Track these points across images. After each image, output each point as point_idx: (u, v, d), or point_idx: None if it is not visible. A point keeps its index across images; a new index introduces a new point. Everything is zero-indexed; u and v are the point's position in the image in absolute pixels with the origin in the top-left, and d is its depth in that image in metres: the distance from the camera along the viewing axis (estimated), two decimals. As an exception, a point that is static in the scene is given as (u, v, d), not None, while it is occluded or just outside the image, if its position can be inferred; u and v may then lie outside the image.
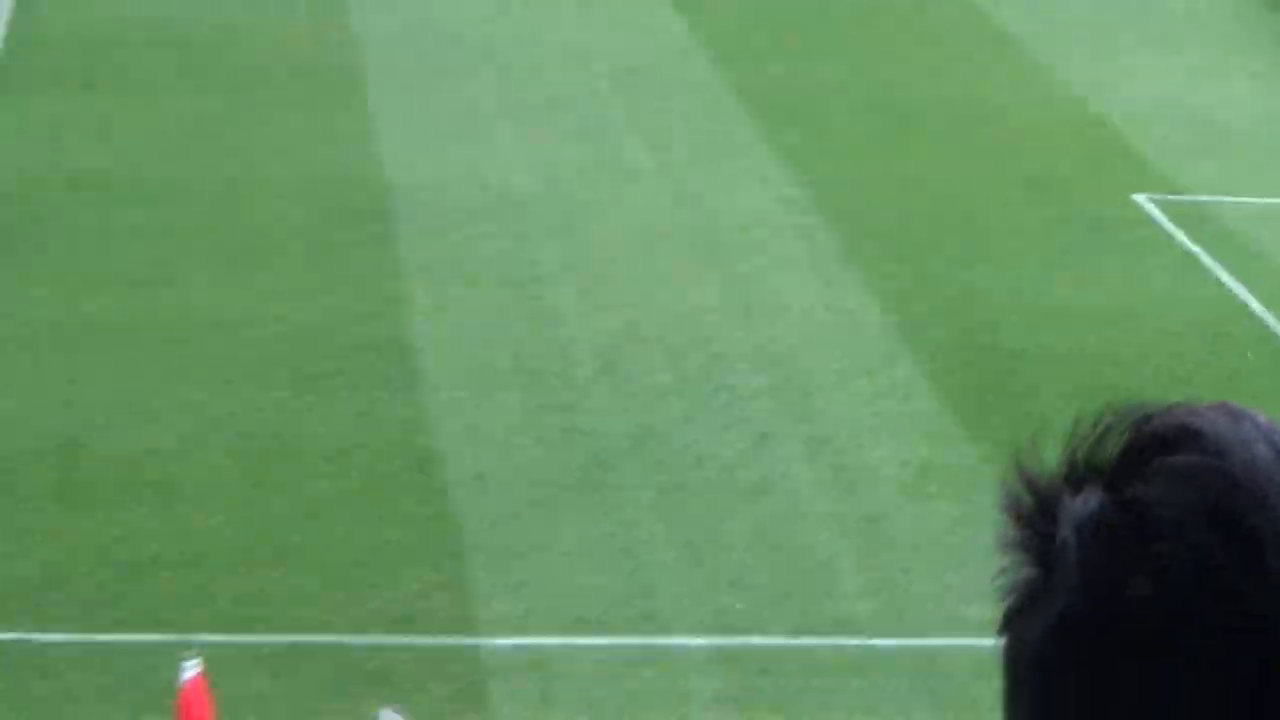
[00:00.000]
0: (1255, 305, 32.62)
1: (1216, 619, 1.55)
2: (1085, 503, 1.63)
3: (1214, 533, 1.56)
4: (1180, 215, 35.99)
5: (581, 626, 24.26)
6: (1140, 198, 36.73)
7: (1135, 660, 1.59)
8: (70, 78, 41.82)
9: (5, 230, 34.36)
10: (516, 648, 23.89)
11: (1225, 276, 33.72)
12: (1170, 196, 36.77)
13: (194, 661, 15.67)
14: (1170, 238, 35.23)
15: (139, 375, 29.44)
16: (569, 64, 43.53)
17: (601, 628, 24.34)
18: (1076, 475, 1.66)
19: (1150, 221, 35.86)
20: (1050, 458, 1.69)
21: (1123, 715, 1.61)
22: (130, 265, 33.03)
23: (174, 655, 21.96)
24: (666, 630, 24.37)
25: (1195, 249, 34.76)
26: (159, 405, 28.69)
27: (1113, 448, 1.66)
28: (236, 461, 27.50)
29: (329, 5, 47.25)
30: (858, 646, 24.11)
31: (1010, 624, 1.73)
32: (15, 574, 24.74)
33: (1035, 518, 1.68)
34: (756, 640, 24.16)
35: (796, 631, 24.29)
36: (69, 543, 25.46)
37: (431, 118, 40.09)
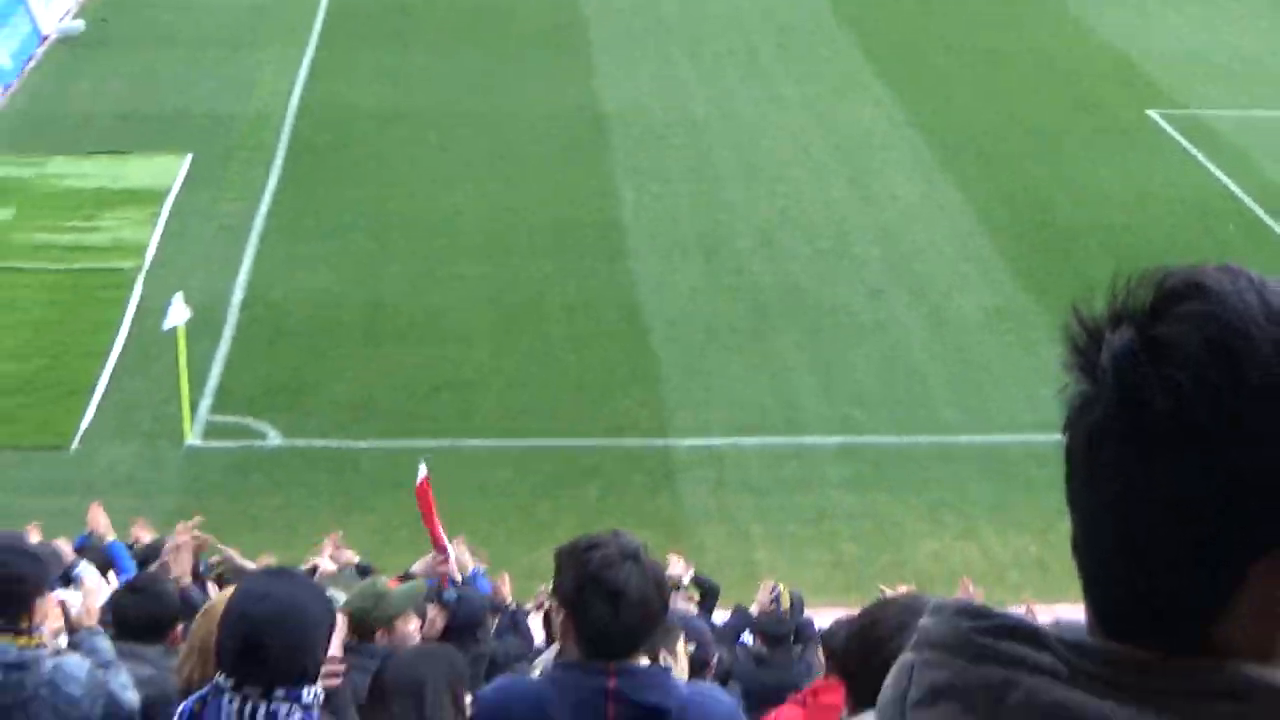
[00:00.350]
0: (1238, 191, 32.61)
1: (1213, 423, 1.59)
2: (1121, 338, 1.67)
3: (1212, 361, 1.60)
4: (1180, 125, 35.85)
5: (745, 430, 24.63)
6: (1153, 113, 36.74)
7: (1154, 451, 1.62)
8: (380, 35, 41.99)
9: (330, 149, 34.84)
10: (696, 447, 24.33)
11: (1215, 170, 33.67)
12: (1173, 111, 36.62)
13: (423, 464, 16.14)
14: (1174, 142, 35.22)
15: (425, 255, 29.99)
16: (737, 25, 43.06)
17: (760, 431, 24.70)
18: (1116, 318, 1.70)
19: (1160, 130, 35.82)
20: (1097, 306, 1.74)
21: (1143, 491, 1.64)
22: (420, 175, 33.44)
23: (452, 457, 23.13)
24: (806, 432, 24.76)
25: (1192, 149, 34.75)
26: (440, 275, 29.20)
27: (1142, 298, 1.69)
28: (497, 313, 27.95)
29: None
30: (946, 443, 24.43)
31: (1069, 424, 1.75)
32: (334, 396, 25.39)
33: (1087, 348, 1.71)
34: (870, 439, 24.45)
35: (900, 432, 24.67)
36: (373, 372, 26.13)
37: (635, 66, 40.12)
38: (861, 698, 4.17)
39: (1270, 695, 1.61)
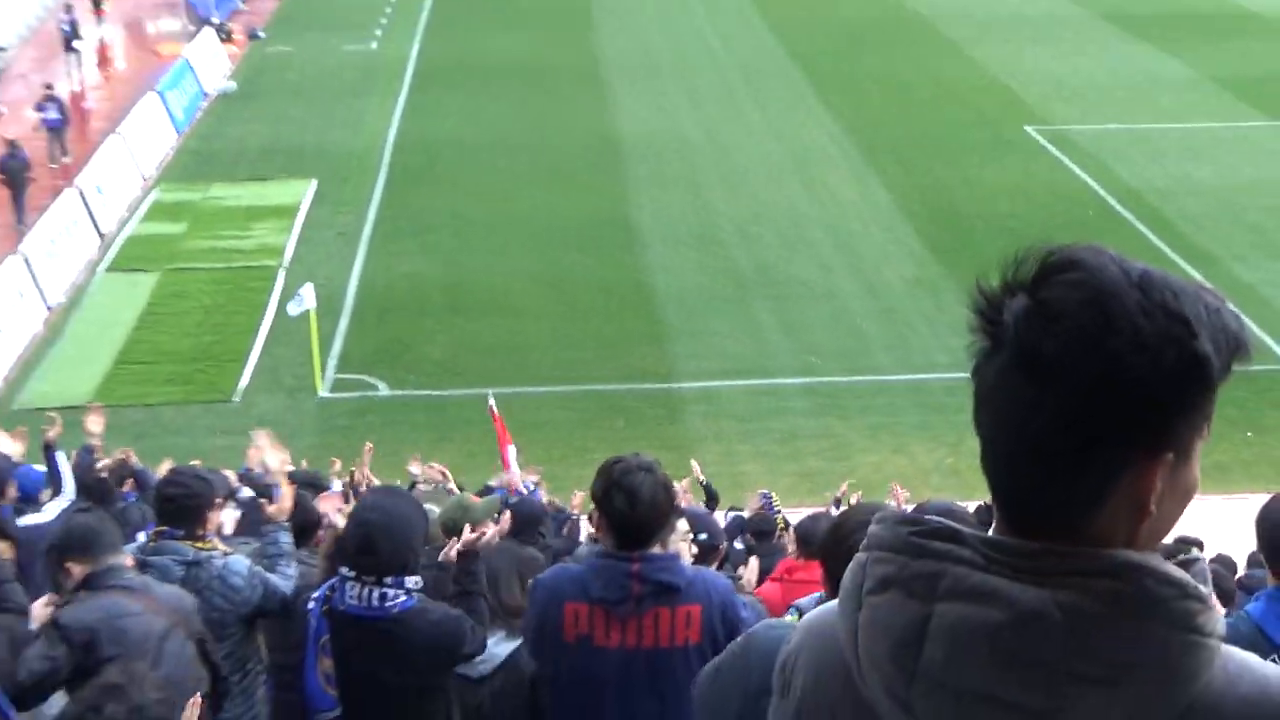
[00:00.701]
0: (1095, 185, 32.51)
1: (1090, 363, 1.63)
2: (1019, 302, 1.71)
3: (1089, 316, 1.64)
4: (1049, 137, 35.78)
5: (731, 375, 24.72)
6: (1029, 128, 36.62)
7: (1047, 385, 1.65)
8: (453, 85, 42.07)
9: (418, 171, 34.79)
10: (695, 388, 24.43)
11: (1077, 170, 33.55)
12: (1043, 126, 36.54)
13: (491, 401, 16.09)
14: (1045, 149, 35.11)
15: (490, 249, 29.91)
16: (714, 67, 43.26)
17: (742, 375, 24.77)
18: (1011, 288, 1.74)
19: (1034, 141, 35.67)
20: (993, 282, 1.77)
21: (1039, 417, 1.66)
22: (485, 188, 33.34)
23: (514, 401, 23.07)
24: (777, 375, 24.79)
25: (1059, 155, 34.64)
26: (502, 264, 29.21)
27: (1029, 271, 1.74)
28: (544, 291, 27.95)
29: (578, 27, 47.82)
30: (881, 380, 24.46)
31: (977, 369, 1.76)
32: (426, 356, 25.56)
33: (989, 312, 1.75)
34: (825, 379, 24.44)
35: (847, 373, 24.59)
36: (454, 338, 26.17)
37: (640, 102, 39.98)
38: (834, 578, 4.17)
39: (1139, 571, 1.64)
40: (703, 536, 7.94)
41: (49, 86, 36.75)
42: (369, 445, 16.60)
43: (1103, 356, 1.64)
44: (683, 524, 11.11)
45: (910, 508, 7.16)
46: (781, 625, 4.23)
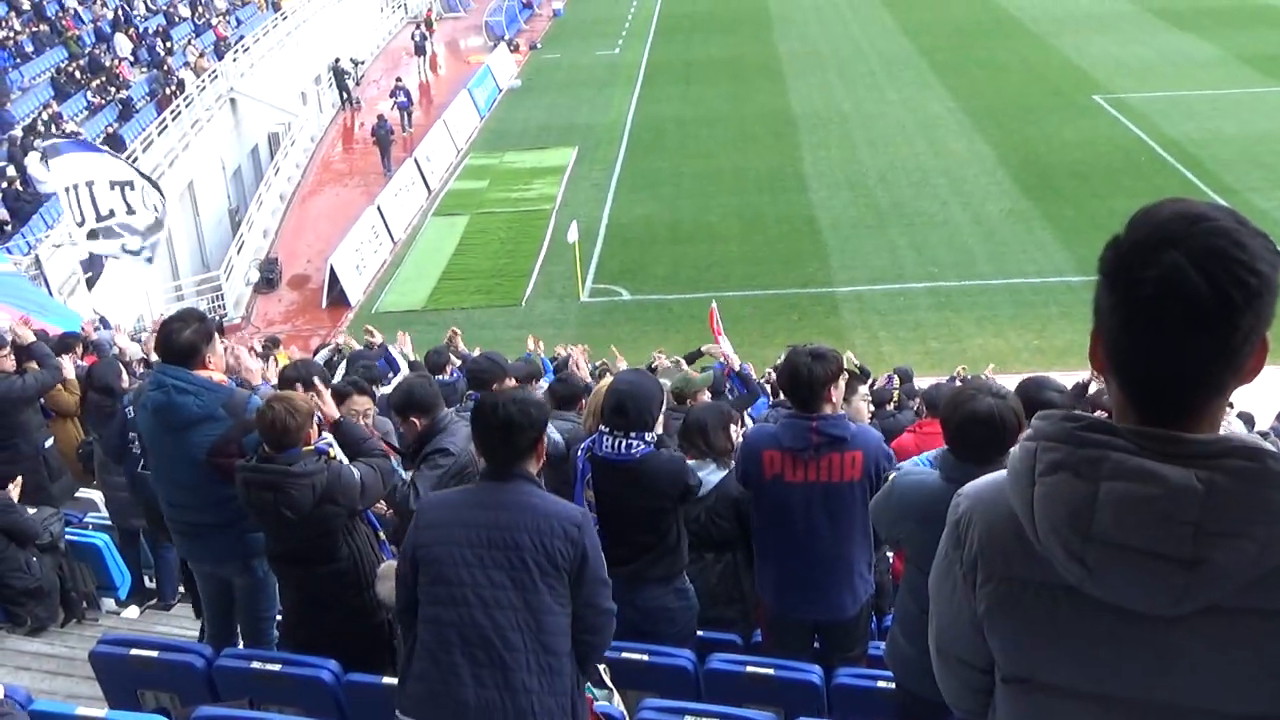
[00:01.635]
0: (1147, 139, 31.03)
1: (1240, 295, 1.54)
2: (1171, 256, 1.54)
3: (1235, 258, 1.54)
4: (1111, 103, 34.15)
5: (874, 281, 24.14)
6: (1096, 96, 35.05)
7: (1203, 309, 1.53)
8: (674, 77, 41.80)
9: (650, 140, 34.49)
10: (847, 291, 23.84)
11: (1133, 127, 32.00)
12: (1107, 95, 34.90)
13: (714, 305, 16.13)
14: (1108, 112, 33.52)
15: (701, 194, 29.62)
16: (862, 58, 42.04)
17: (882, 281, 24.10)
18: (1158, 243, 1.56)
19: (1100, 106, 34.06)
20: (1120, 235, 1.62)
21: (1192, 337, 1.55)
22: (697, 150, 32.98)
23: (719, 302, 23.26)
24: (907, 281, 24.06)
25: (1119, 116, 33.10)
26: (709, 205, 28.94)
27: (1166, 228, 1.57)
28: (740, 224, 27.51)
29: (762, 33, 47.26)
30: (984, 284, 23.66)
31: (1126, 298, 1.59)
32: (655, 272, 25.26)
33: (1133, 262, 1.58)
34: (942, 284, 23.80)
35: (959, 279, 23.92)
36: (674, 259, 25.91)
37: (809, 84, 39.19)
38: (950, 434, 4.11)
39: (1260, 453, 1.59)
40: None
41: (399, 79, 39.18)
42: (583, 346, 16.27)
43: (1245, 289, 1.55)
44: (863, 388, 10.96)
45: (1002, 379, 6.97)
46: (914, 472, 4.32)
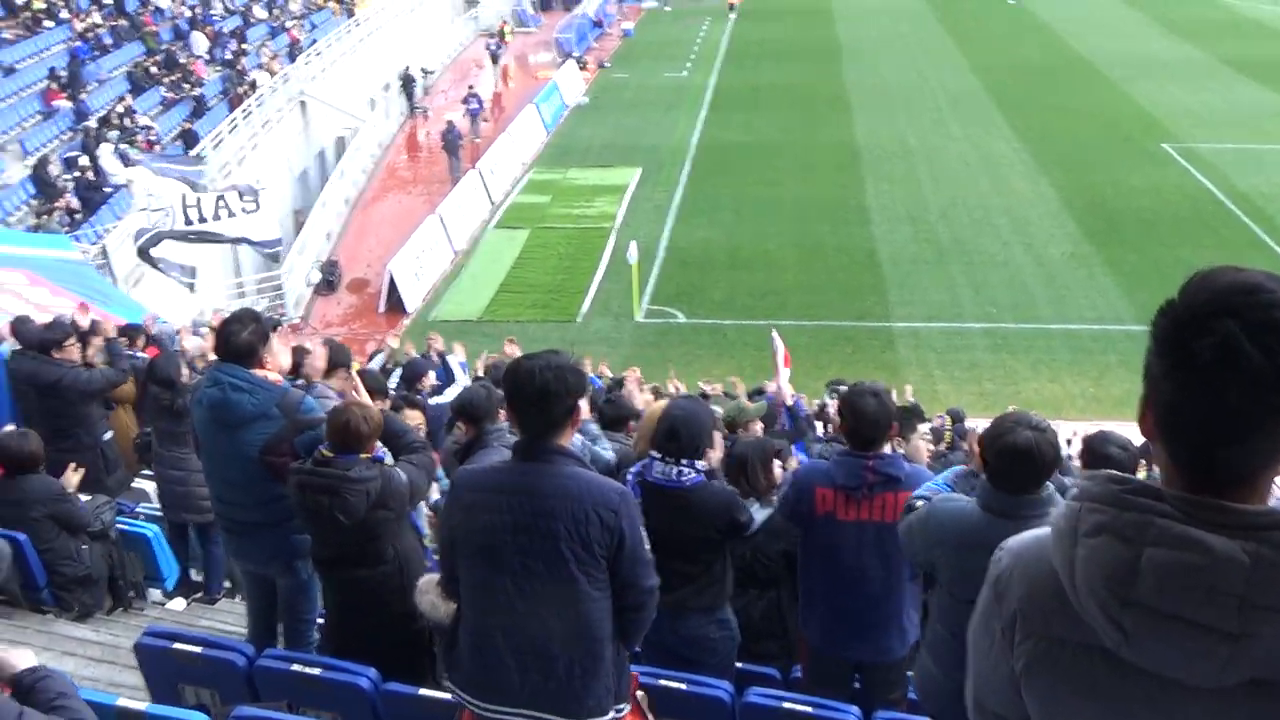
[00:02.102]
0: (1214, 189, 30.56)
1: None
2: (1227, 325, 1.53)
3: (1230, 320, 1.52)
4: (1180, 152, 33.65)
5: (931, 318, 23.97)
6: (1165, 145, 34.53)
7: (1254, 389, 1.51)
8: (740, 104, 41.69)
9: (712, 164, 34.36)
10: (904, 327, 23.70)
11: (1201, 177, 31.61)
12: (1176, 144, 34.42)
13: (776, 335, 16.00)
14: (1177, 161, 33.08)
15: (762, 221, 29.49)
16: (928, 94, 41.88)
17: (939, 319, 23.94)
18: (1215, 311, 1.55)
19: (1169, 155, 33.61)
20: (1174, 299, 1.60)
21: (1246, 408, 1.53)
22: (759, 177, 32.84)
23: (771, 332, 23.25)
24: (965, 320, 23.89)
25: (1188, 166, 32.65)
26: (769, 232, 28.76)
27: (1223, 298, 1.55)
28: (798, 253, 27.32)
29: (831, 64, 47.17)
30: (1042, 328, 23.45)
31: (1178, 364, 1.57)
32: (712, 296, 25.27)
33: (1189, 331, 1.56)
34: (1000, 325, 23.62)
35: (1017, 321, 23.71)
36: (732, 284, 25.86)
37: (874, 117, 39.02)
38: (986, 463, 4.21)
39: None
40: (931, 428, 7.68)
41: (471, 87, 40.21)
42: (635, 369, 16.22)
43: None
44: (923, 426, 10.87)
45: (1091, 428, 6.79)
46: (951, 498, 4.44)
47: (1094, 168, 33.02)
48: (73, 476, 7.54)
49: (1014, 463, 4.06)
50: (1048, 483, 4.17)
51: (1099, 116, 38.46)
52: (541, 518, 3.67)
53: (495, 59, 46.69)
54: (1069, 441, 15.44)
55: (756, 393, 14.23)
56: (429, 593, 4.31)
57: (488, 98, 41.59)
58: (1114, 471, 1.70)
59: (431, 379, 10.60)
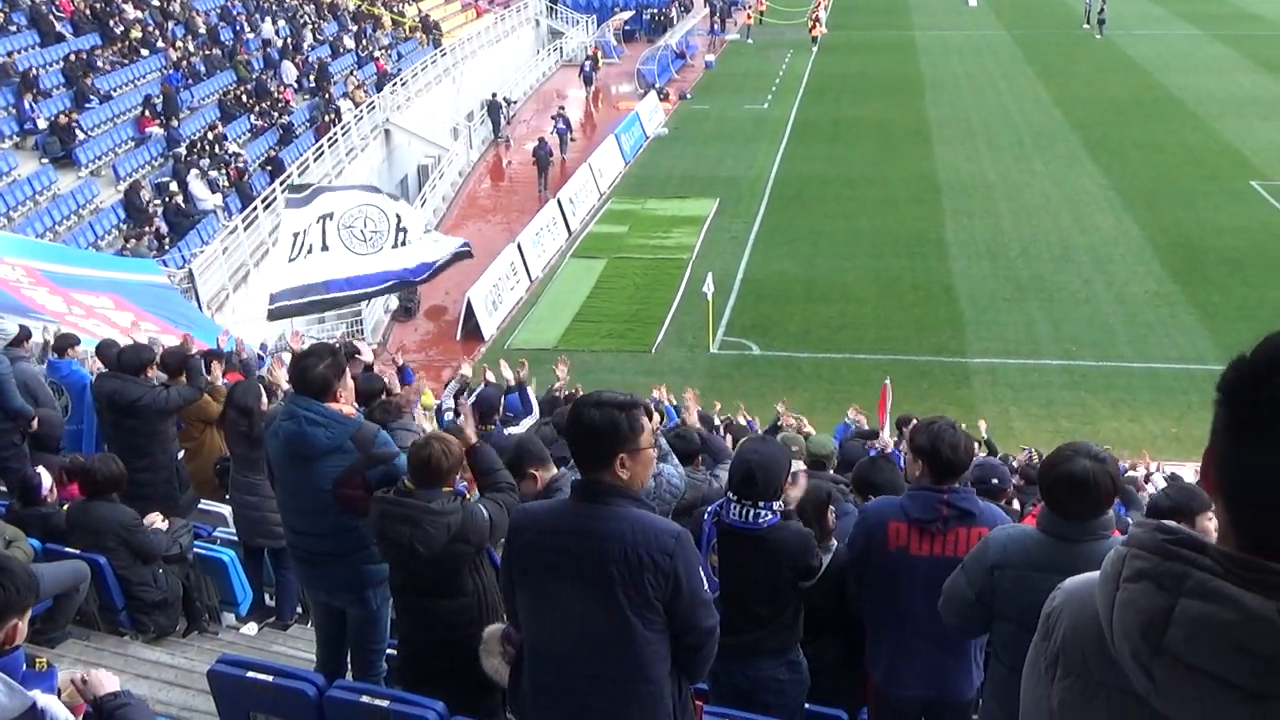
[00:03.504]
0: (1303, 229, 30.22)
1: None
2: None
3: None
4: (1269, 190, 32.85)
5: (1009, 354, 23.72)
6: (1253, 182, 33.89)
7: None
8: (821, 136, 41.82)
9: (791, 196, 34.41)
10: (980, 363, 23.46)
11: (1290, 217, 31.27)
12: (1266, 182, 33.65)
13: (887, 381, 15.95)
14: (1265, 200, 32.34)
15: (839, 255, 29.44)
16: (1011, 128, 41.43)
17: (1017, 355, 23.66)
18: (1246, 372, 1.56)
19: (1257, 193, 32.93)
20: (1249, 353, 1.58)
21: (1242, 440, 1.55)
22: (839, 209, 32.76)
23: (848, 364, 23.24)
24: (1043, 357, 23.56)
25: (1275, 202, 31.99)
26: (847, 265, 28.63)
27: (1266, 349, 1.55)
28: (877, 287, 27.22)
29: (913, 98, 47.00)
30: (1123, 367, 23.13)
31: (1249, 429, 1.56)
32: (787, 329, 25.19)
33: (1255, 385, 1.55)
34: (1079, 363, 23.29)
35: (1097, 359, 23.36)
36: (808, 316, 25.77)
37: (955, 152, 38.72)
38: (1042, 493, 4.30)
39: None
40: (994, 481, 7.58)
41: (561, 107, 41.48)
42: (694, 391, 16.25)
43: None
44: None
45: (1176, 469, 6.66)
46: (1008, 527, 4.57)
47: (1180, 205, 32.51)
48: (155, 518, 7.71)
49: (1070, 492, 4.07)
50: (1105, 513, 4.16)
51: (1185, 153, 37.91)
52: (597, 564, 3.64)
53: (589, 81, 48.18)
54: (1147, 478, 15.19)
55: (869, 435, 14.02)
56: (494, 655, 4.32)
57: (575, 120, 42.31)
58: (1166, 522, 1.69)
59: (503, 408, 10.62)
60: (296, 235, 16.25)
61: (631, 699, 3.73)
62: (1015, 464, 13.51)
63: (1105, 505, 4.14)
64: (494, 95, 42.40)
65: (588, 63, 49.64)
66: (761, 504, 5.16)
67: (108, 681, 3.90)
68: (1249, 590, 1.53)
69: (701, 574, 3.80)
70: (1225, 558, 1.57)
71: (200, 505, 9.69)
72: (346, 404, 5.61)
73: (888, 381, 17.21)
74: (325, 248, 16.26)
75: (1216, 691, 1.53)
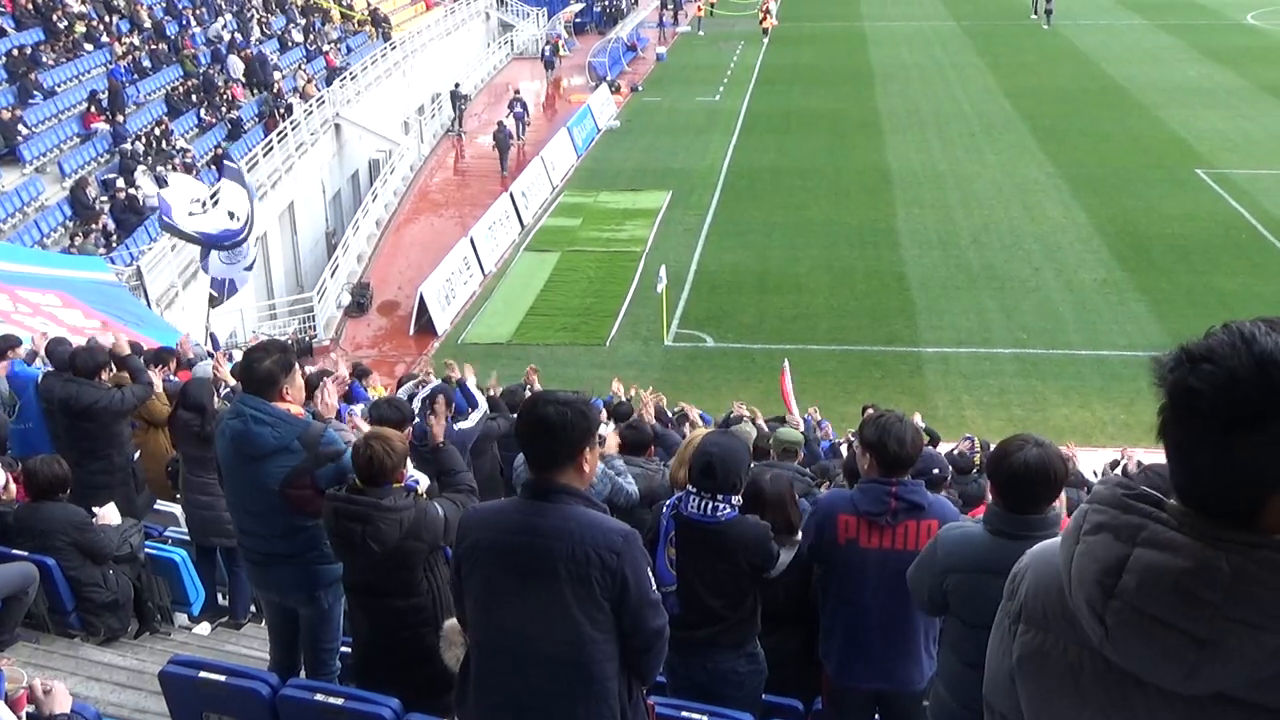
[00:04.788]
0: (1248, 216, 30.32)
1: (1256, 411, 1.54)
2: (1202, 368, 1.60)
3: (1263, 379, 1.54)
4: (1214, 178, 33.38)
5: (961, 344, 23.93)
6: (1199, 170, 34.34)
7: (1233, 426, 1.56)
8: (772, 128, 41.86)
9: (743, 188, 34.48)
10: (933, 352, 23.62)
11: (1235, 204, 31.30)
12: (1210, 170, 34.20)
13: (786, 362, 16.03)
14: (1210, 187, 32.78)
15: (791, 246, 29.52)
16: (961, 119, 41.82)
17: (969, 344, 23.85)
18: (1204, 356, 1.61)
19: (1202, 181, 33.41)
20: (1190, 342, 1.65)
21: (1219, 448, 1.58)
22: (790, 201, 32.94)
23: (803, 355, 23.17)
24: (995, 345, 23.75)
25: (1221, 191, 32.32)
26: (799, 257, 28.81)
27: (1220, 346, 1.59)
28: (828, 278, 27.32)
29: (863, 89, 47.15)
30: (1073, 354, 23.37)
31: (1177, 408, 1.64)
32: (740, 320, 25.30)
33: (1185, 370, 1.63)
34: (1030, 351, 23.52)
35: (1047, 347, 23.64)
36: (760, 308, 25.87)
37: (905, 143, 38.96)
38: (995, 486, 4.31)
39: None
40: (935, 472, 7.62)
41: (517, 91, 42.61)
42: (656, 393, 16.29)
43: (1261, 410, 1.56)
44: (944, 447, 10.74)
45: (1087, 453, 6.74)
46: (957, 525, 4.53)
47: (1127, 194, 32.89)
48: (110, 514, 7.62)
49: (1025, 480, 4.11)
50: (1053, 505, 4.21)
51: (1132, 142, 38.34)
52: (543, 560, 3.64)
53: (550, 66, 49.55)
54: (1115, 464, 15.35)
55: (777, 421, 14.07)
56: (456, 645, 4.31)
57: (532, 104, 43.08)
58: (1125, 479, 1.77)
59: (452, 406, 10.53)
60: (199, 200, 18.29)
61: (578, 699, 3.72)
62: (956, 453, 13.58)
63: (1058, 489, 4.21)
64: (456, 85, 42.41)
65: (548, 48, 50.62)
66: (720, 497, 5.17)
67: (60, 701, 3.88)
68: (1200, 541, 1.60)
69: (650, 575, 3.78)
70: (1180, 513, 1.66)
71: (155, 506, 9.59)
72: (295, 403, 5.57)
73: (785, 364, 17.22)
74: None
75: (1165, 636, 1.60)
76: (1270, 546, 1.58)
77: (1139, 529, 1.66)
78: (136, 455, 9.24)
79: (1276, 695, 1.58)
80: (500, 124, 37.73)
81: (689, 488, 5.29)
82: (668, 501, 5.41)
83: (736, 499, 5.25)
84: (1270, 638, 1.55)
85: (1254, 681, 1.58)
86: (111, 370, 9.01)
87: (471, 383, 10.41)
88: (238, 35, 35.96)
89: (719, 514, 5.18)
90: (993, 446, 5.84)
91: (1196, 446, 1.62)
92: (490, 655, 3.84)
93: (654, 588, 3.81)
